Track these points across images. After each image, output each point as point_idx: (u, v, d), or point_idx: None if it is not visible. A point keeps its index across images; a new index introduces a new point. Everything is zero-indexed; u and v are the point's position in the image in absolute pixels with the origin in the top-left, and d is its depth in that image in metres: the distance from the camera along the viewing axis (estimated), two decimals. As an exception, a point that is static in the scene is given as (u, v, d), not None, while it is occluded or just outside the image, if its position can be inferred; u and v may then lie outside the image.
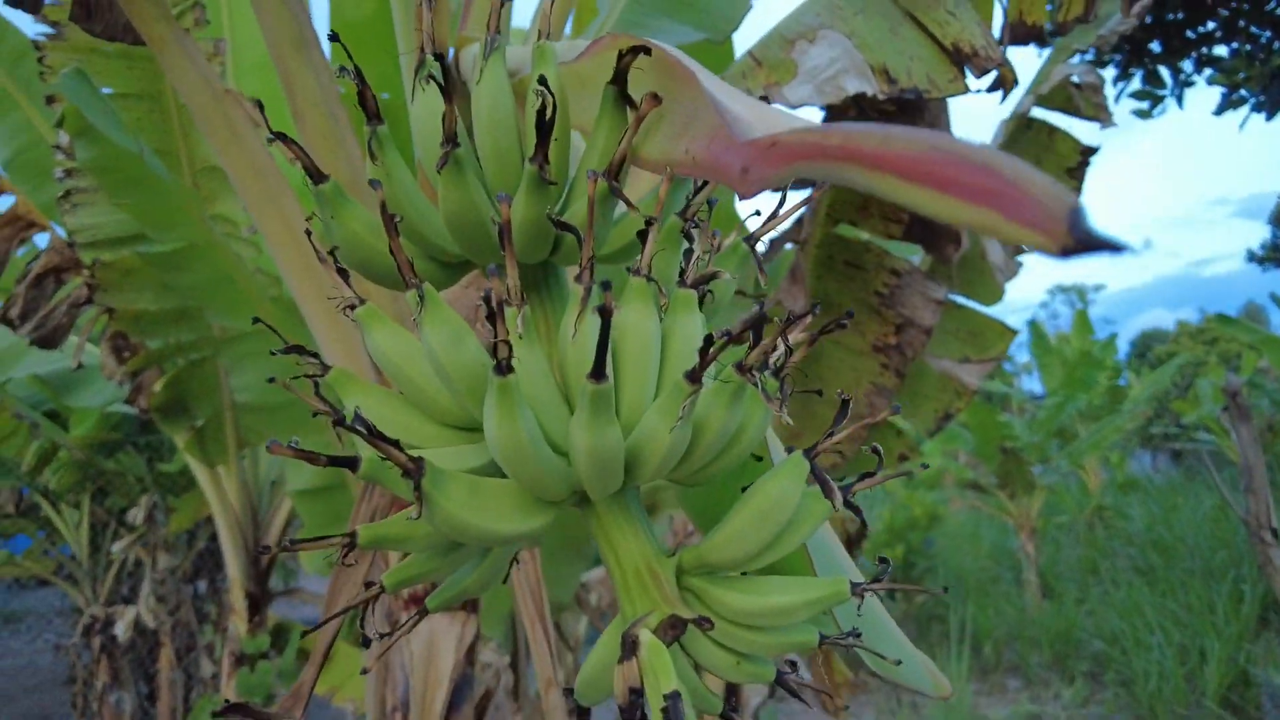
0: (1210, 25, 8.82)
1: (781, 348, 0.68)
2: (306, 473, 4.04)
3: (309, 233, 0.79)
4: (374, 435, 0.58)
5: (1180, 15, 8.59)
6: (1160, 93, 9.12)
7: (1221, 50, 8.89)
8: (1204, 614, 9.16)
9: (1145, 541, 13.13)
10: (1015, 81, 1.91)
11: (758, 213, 0.83)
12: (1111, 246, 0.27)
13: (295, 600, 6.51)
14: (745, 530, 0.68)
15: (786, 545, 0.71)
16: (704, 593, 0.70)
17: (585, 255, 0.66)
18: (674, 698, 0.56)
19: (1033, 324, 17.11)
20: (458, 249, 0.79)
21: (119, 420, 7.86)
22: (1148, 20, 8.83)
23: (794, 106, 1.67)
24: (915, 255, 3.22)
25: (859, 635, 0.75)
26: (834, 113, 2.17)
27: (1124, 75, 9.20)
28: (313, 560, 4.35)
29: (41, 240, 5.15)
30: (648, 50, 0.65)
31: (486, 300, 0.59)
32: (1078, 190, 2.92)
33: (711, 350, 0.60)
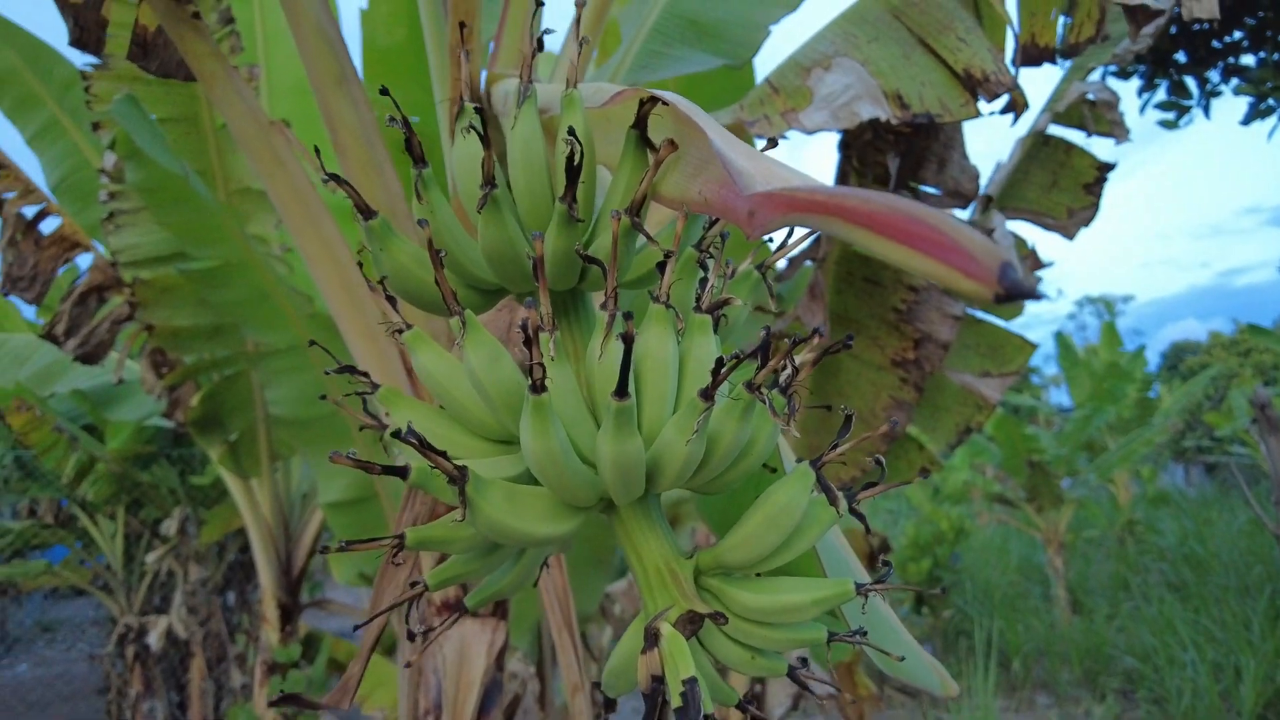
0: (1237, 35, 8.77)
1: (789, 367, 0.75)
2: (338, 485, 4.14)
3: (360, 264, 0.87)
4: (424, 446, 0.65)
5: (1206, 25, 8.55)
6: (1186, 103, 9.07)
7: (1249, 60, 8.83)
8: (1239, 631, 8.99)
9: (1178, 557, 12.91)
10: (1026, 105, 1.96)
11: (769, 240, 0.89)
12: (1034, 295, 0.34)
13: (325, 612, 6.62)
14: (756, 534, 0.74)
15: (796, 548, 0.77)
16: (720, 592, 0.76)
17: (610, 285, 0.73)
18: (691, 683, 0.62)
19: (1059, 336, 16.93)
20: (494, 278, 0.86)
21: (153, 433, 8.08)
22: (1173, 31, 8.80)
23: (810, 132, 1.73)
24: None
25: (865, 634, 0.81)
26: (850, 136, 2.23)
27: (1149, 86, 9.16)
28: (344, 571, 4.44)
29: (83, 261, 5.31)
30: (665, 101, 0.73)
31: (523, 328, 0.66)
32: (1095, 205, 2.95)
33: (723, 370, 0.67)
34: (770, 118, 1.78)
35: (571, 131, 0.75)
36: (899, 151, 2.17)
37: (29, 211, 4.52)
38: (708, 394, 0.67)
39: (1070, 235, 3.02)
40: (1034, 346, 3.07)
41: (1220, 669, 8.82)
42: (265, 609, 4.74)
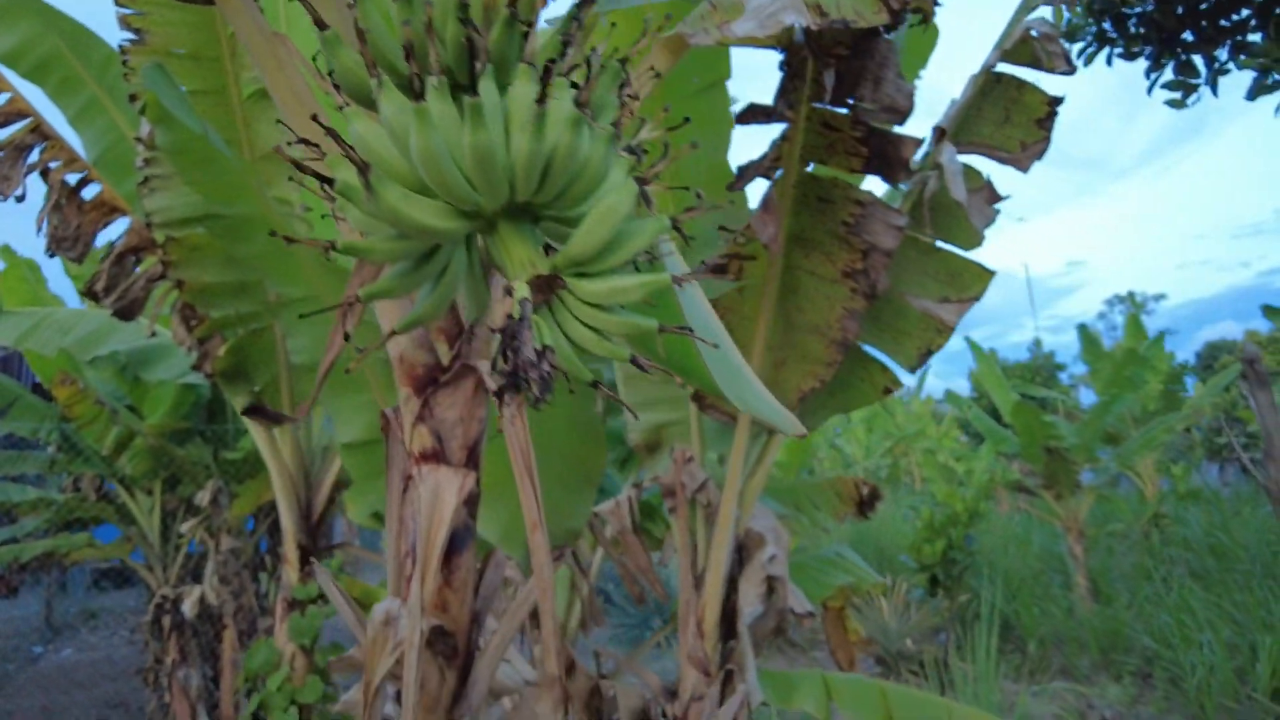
0: (1244, 13, 8.80)
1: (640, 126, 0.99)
2: (354, 428, 4.44)
3: (315, 58, 1.13)
4: (343, 143, 0.90)
5: (1212, 3, 8.61)
6: (1194, 81, 9.10)
7: (1256, 38, 8.85)
8: (1256, 612, 8.98)
9: (1203, 547, 12.80)
10: (933, 11, 2.18)
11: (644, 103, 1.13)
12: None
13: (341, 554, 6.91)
14: (591, 229, 0.97)
15: (629, 247, 1.00)
16: (569, 283, 1.00)
17: (483, 46, 0.98)
18: (524, 301, 0.87)
19: (1082, 329, 16.76)
20: (408, 67, 1.11)
21: (189, 409, 8.50)
22: (1179, 10, 8.86)
23: (739, 38, 1.98)
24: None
25: (692, 330, 1.04)
26: (790, 55, 2.46)
27: (1156, 66, 9.21)
28: (359, 511, 4.74)
29: (114, 230, 5.64)
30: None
31: (406, 47, 0.90)
32: (1046, 139, 3.14)
33: (550, 75, 0.91)
34: (708, 30, 2.02)
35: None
36: (836, 70, 2.40)
37: (72, 179, 4.92)
38: (541, 99, 0.91)
39: (1024, 168, 3.21)
40: (992, 273, 3.26)
41: (1236, 648, 8.81)
42: (286, 550, 5.05)
